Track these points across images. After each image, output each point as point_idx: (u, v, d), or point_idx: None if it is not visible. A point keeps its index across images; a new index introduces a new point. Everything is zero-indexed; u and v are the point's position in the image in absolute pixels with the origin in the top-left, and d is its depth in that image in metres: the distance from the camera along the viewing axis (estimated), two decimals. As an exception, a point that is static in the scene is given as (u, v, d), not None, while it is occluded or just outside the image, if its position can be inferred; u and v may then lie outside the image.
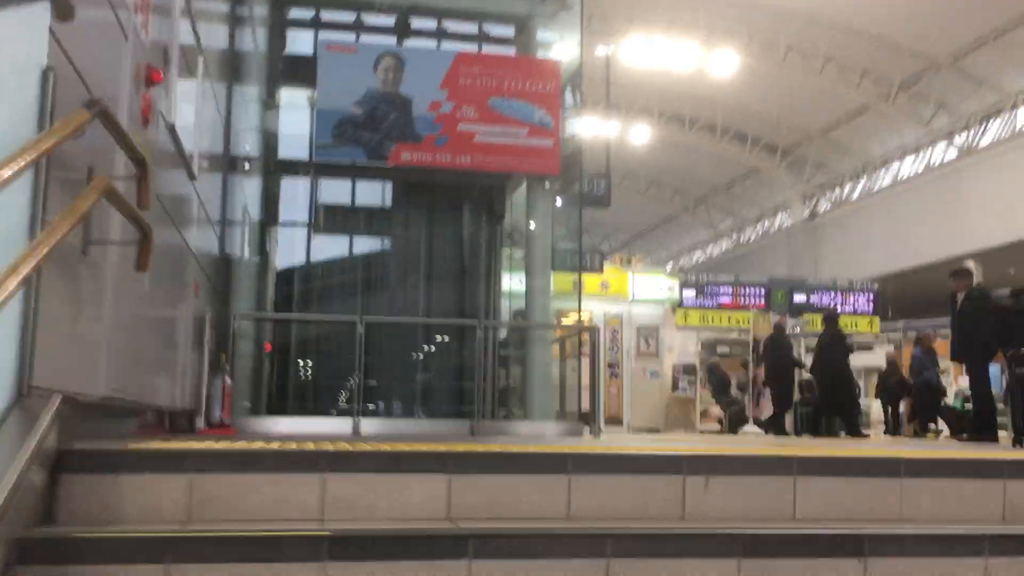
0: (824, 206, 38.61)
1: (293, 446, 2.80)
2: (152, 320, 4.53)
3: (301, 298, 9.23)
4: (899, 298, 28.65)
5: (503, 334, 9.85)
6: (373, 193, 9.80)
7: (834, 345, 12.33)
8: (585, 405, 8.33)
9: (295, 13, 9.26)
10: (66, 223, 2.29)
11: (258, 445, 2.71)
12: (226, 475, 2.33)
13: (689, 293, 19.78)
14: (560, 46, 8.93)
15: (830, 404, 12.31)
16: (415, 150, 7.95)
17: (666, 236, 49.94)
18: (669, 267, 51.31)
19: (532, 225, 8.52)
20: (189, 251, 5.66)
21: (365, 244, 9.46)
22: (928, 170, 32.42)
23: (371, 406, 7.92)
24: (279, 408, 8.45)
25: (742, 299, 20.94)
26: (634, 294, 16.64)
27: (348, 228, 9.87)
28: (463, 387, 8.59)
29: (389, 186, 9.47)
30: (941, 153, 32.03)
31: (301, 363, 9.07)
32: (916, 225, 31.95)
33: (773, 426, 13.26)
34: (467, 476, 2.41)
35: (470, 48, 9.27)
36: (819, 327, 21.22)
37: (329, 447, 2.51)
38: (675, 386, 17.99)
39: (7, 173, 1.93)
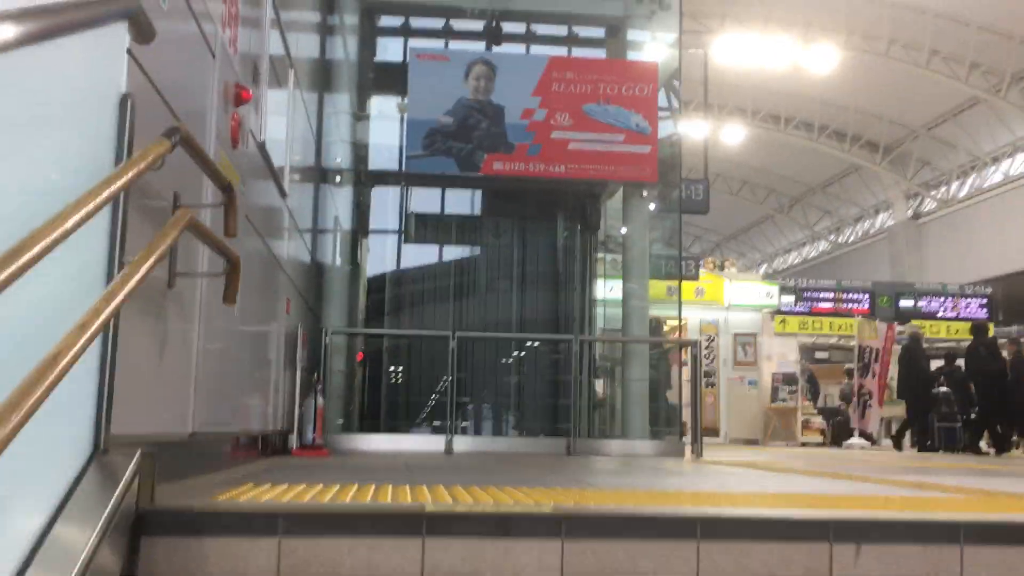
0: (929, 205, 37.07)
1: (389, 497, 2.57)
2: (244, 344, 4.40)
3: (392, 306, 9.11)
4: (1010, 302, 27.22)
5: (599, 346, 9.55)
6: (464, 201, 9.62)
7: (989, 355, 12.10)
8: (685, 417, 7.97)
9: (385, 21, 9.15)
10: (146, 262, 2.11)
11: (353, 499, 2.49)
12: (319, 539, 2.11)
13: (788, 298, 19.13)
14: (656, 47, 8.59)
15: (997, 413, 12.07)
16: (507, 160, 7.72)
17: (760, 238, 48.74)
18: (763, 269, 50.15)
19: (628, 232, 8.19)
20: (281, 268, 5.55)
21: (456, 253, 9.29)
22: (1042, 166, 30.76)
23: (463, 423, 7.73)
24: (371, 421, 8.34)
25: (844, 304, 20.14)
26: (730, 300, 16.11)
27: (439, 237, 9.72)
28: (558, 402, 8.33)
29: (480, 194, 9.27)
30: (1055, 147, 30.34)
31: (393, 373, 8.94)
32: (1029, 224, 30.33)
33: (900, 440, 13.03)
34: (581, 542, 2.14)
35: (563, 52, 9.00)
36: (931, 334, 20.29)
37: (430, 506, 2.27)
38: (774, 396, 17.36)
39: (82, 212, 1.74)
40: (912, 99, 32.13)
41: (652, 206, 8.24)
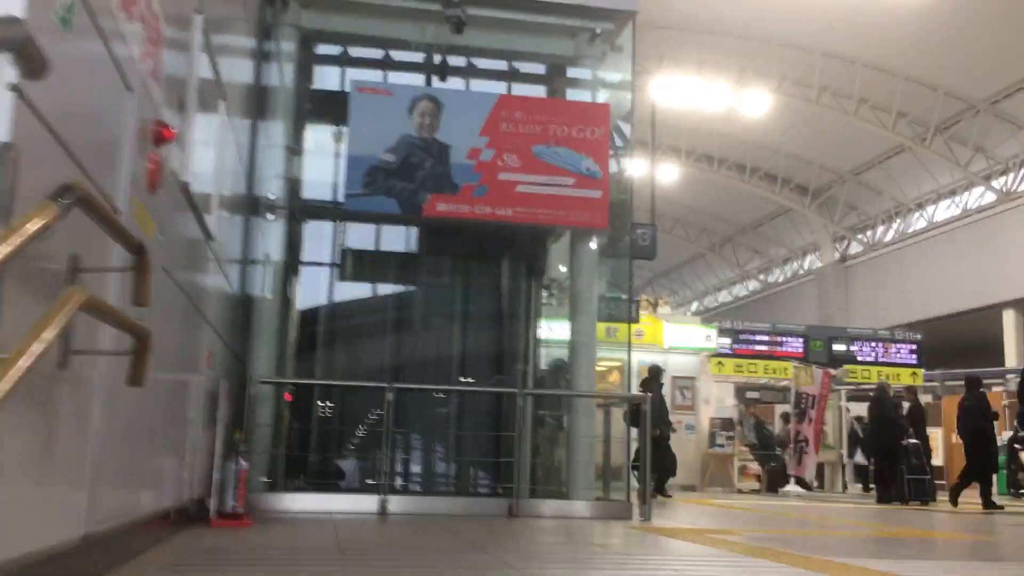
0: (855, 248, 37.86)
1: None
2: (156, 413, 3.87)
3: (326, 341, 8.57)
4: (933, 345, 27.73)
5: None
6: (401, 238, 9.15)
7: (978, 410, 12.09)
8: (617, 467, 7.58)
9: (323, 49, 8.69)
10: (22, 358, 1.64)
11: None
12: None
13: (724, 340, 19.04)
14: (606, 89, 8.31)
15: (974, 472, 12.10)
16: (452, 201, 7.31)
17: (691, 275, 49.23)
18: (694, 306, 50.58)
19: (574, 278, 7.84)
20: (203, 319, 5.03)
21: (393, 290, 8.79)
22: (965, 214, 31.65)
23: (399, 479, 7.21)
24: (300, 475, 7.76)
25: (779, 347, 20.16)
26: (669, 343, 15.89)
27: (375, 274, 9.21)
28: (500, 456, 7.88)
29: (418, 231, 8.83)
30: (978, 197, 31.26)
31: (323, 414, 8.37)
32: (952, 270, 31.10)
33: (883, 493, 13.04)
34: None
35: (510, 89, 8.66)
36: (862, 378, 20.43)
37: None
38: (712, 441, 17.16)
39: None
40: (840, 145, 32.82)
41: (593, 247, 7.88)
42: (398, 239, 9.36)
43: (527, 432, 7.08)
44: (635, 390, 11.37)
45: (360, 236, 9.05)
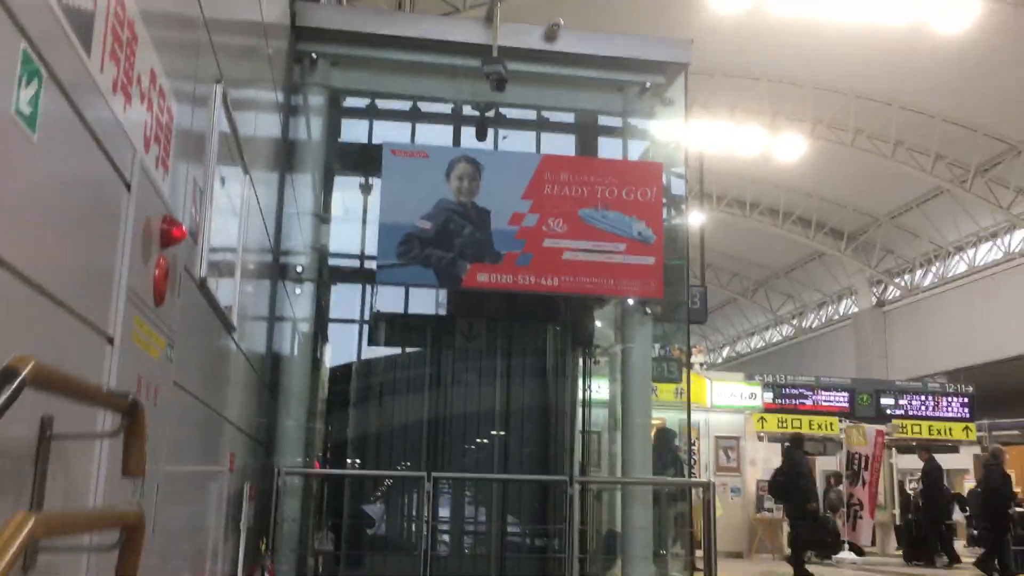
0: (893, 293, 36.94)
1: None
2: (171, 535, 3.30)
3: (357, 421, 7.97)
4: (977, 394, 26.75)
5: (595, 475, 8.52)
6: (432, 302, 8.58)
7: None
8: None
9: (353, 110, 8.22)
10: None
11: None
12: None
13: (766, 395, 18.26)
14: (656, 145, 7.76)
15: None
16: (493, 271, 6.75)
17: (723, 320, 48.33)
18: (726, 352, 49.63)
19: (627, 351, 7.23)
20: (225, 421, 4.47)
21: (428, 357, 8.20)
22: (1008, 257, 30.75)
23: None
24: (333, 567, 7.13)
25: (823, 401, 19.33)
26: (712, 401, 15.17)
27: (408, 339, 8.63)
28: (548, 543, 7.23)
29: (456, 295, 8.26)
30: (1021, 240, 30.38)
31: (355, 490, 7.73)
32: (996, 315, 30.14)
33: (985, 567, 12.41)
34: None
35: (554, 148, 8.14)
36: (911, 433, 19.54)
37: None
38: (759, 506, 16.32)
39: None
40: (877, 188, 32.11)
41: (650, 317, 7.27)
42: (429, 301, 8.81)
43: (575, 524, 6.42)
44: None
45: (390, 299, 8.51)
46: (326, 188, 7.57)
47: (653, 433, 13.82)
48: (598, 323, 8.43)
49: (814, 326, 42.16)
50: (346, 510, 7.24)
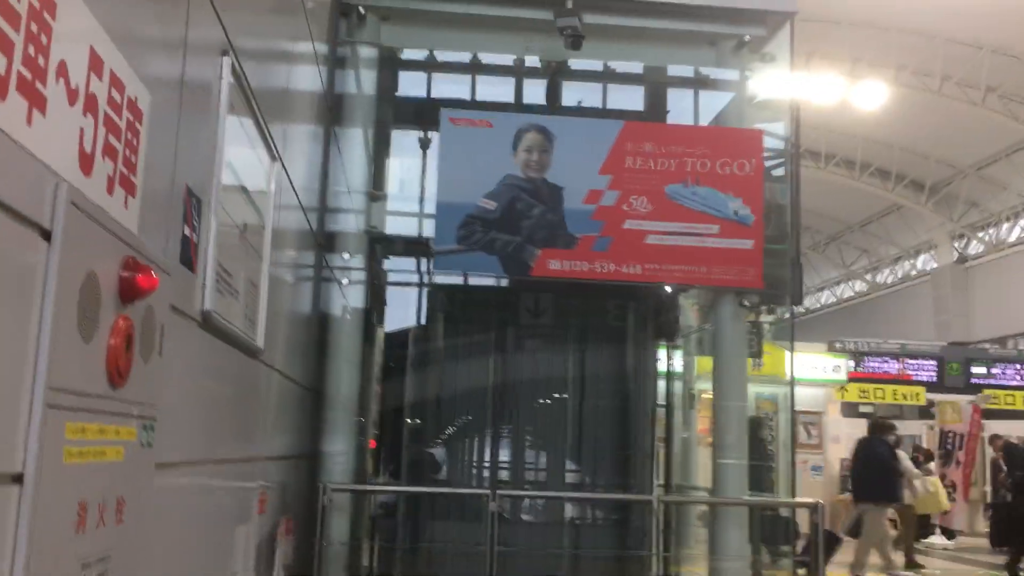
0: (976, 248, 35.07)
1: None
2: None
3: (413, 416, 7.22)
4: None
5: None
6: (503, 292, 7.72)
7: None
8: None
9: (407, 71, 7.33)
10: None
11: None
12: None
13: (841, 362, 17.13)
14: (754, 109, 6.73)
15: None
16: (567, 257, 5.87)
17: (791, 275, 46.73)
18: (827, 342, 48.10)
19: (720, 349, 6.31)
20: (248, 464, 3.72)
21: (492, 360, 7.37)
22: (1104, 210, 28.79)
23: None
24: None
25: (910, 370, 18.15)
26: (793, 374, 14.10)
27: (468, 315, 7.81)
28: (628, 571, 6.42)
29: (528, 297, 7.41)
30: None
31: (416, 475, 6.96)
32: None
33: None
34: None
35: (637, 116, 7.19)
36: (1004, 404, 18.27)
37: None
38: (843, 486, 15.34)
39: None
40: (962, 137, 30.24)
41: (747, 310, 6.33)
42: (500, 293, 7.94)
43: (659, 549, 5.58)
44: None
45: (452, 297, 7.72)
46: (377, 163, 6.73)
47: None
48: (684, 311, 7.52)
49: (889, 282, 40.43)
50: (400, 529, 6.50)
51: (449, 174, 5.94)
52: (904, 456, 11.97)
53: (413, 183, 7.27)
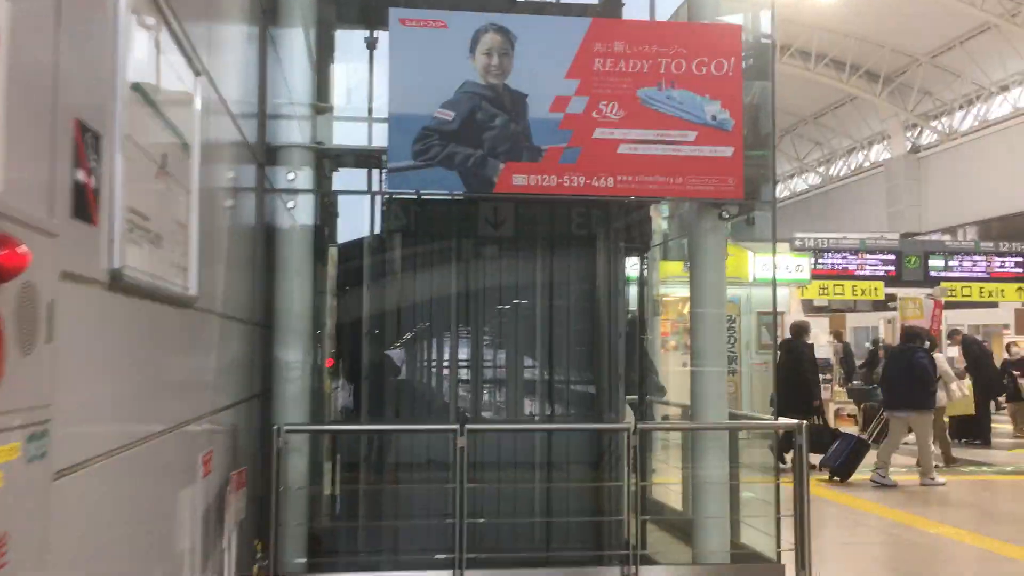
0: (929, 138, 35.06)
1: None
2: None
3: (370, 341, 6.81)
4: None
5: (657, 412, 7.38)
6: (463, 214, 7.22)
7: None
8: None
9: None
10: None
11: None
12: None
13: (803, 261, 17.01)
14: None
15: None
16: (533, 171, 5.39)
17: (745, 170, 46.61)
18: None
19: (696, 263, 5.95)
20: (194, 420, 3.29)
21: (452, 275, 6.95)
22: (1058, 98, 28.77)
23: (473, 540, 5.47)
24: (350, 519, 6.11)
25: (867, 267, 18.12)
26: (755, 275, 13.95)
27: (423, 227, 7.32)
28: (602, 505, 6.16)
29: (488, 207, 6.94)
30: (1074, 78, 28.33)
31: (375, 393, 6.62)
32: (1041, 160, 28.48)
33: None
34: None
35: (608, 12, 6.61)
36: (961, 297, 18.38)
37: None
38: (806, 386, 15.38)
39: None
40: (918, 25, 29.81)
41: (725, 223, 5.95)
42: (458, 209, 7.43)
43: (633, 478, 5.31)
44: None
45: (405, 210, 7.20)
46: (321, 71, 6.11)
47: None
48: (655, 220, 7.12)
49: (842, 174, 40.49)
50: (364, 463, 6.14)
51: (401, 82, 5.37)
52: (942, 359, 12.45)
53: (362, 92, 6.65)
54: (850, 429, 14.38)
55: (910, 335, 11.78)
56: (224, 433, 4.02)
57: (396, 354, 7.20)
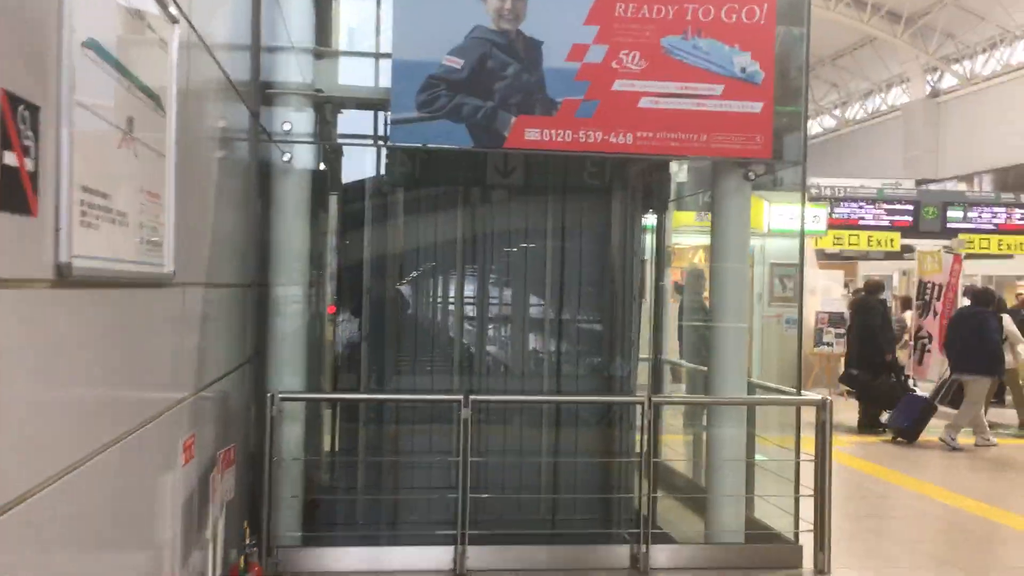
0: (949, 81, 34.18)
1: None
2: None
3: (372, 305, 6.48)
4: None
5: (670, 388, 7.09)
6: (471, 162, 6.82)
7: None
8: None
9: None
10: None
11: None
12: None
13: (820, 211, 16.59)
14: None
15: None
16: (547, 125, 5.02)
17: (759, 111, 45.69)
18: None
19: (720, 225, 5.60)
20: (175, 404, 3.00)
21: (458, 227, 6.61)
22: (1086, 43, 27.86)
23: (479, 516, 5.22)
24: (347, 497, 5.85)
25: (886, 216, 17.70)
26: (770, 225, 13.53)
27: (434, 203, 6.96)
28: (612, 480, 5.90)
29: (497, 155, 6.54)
30: (1103, 22, 27.40)
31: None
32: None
33: None
34: None
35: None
36: (979, 249, 17.95)
37: None
38: (818, 339, 15.08)
39: None
40: (945, -38, 28.84)
41: (750, 185, 5.58)
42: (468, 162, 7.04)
43: (650, 456, 5.04)
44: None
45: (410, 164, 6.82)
46: (322, 10, 5.68)
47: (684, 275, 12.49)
48: (674, 176, 6.75)
49: (859, 117, 39.65)
50: (362, 439, 5.87)
51: (406, 25, 4.97)
52: (1009, 321, 12.08)
53: (368, 29, 6.22)
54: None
55: (979, 298, 11.61)
56: (210, 409, 3.74)
57: (402, 290, 6.92)
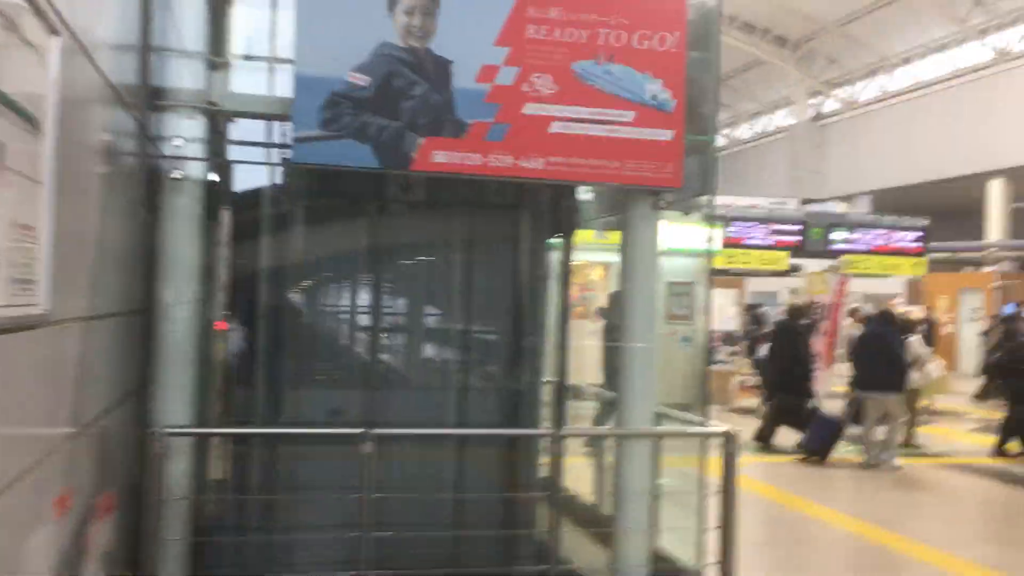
0: (832, 105, 35.64)
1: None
2: None
3: (267, 326, 6.14)
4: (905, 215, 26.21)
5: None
6: (369, 183, 6.56)
7: None
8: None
9: None
10: None
11: None
12: None
13: (716, 231, 16.93)
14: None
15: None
16: (456, 148, 4.85)
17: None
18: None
19: (629, 256, 5.54)
20: (52, 454, 2.70)
21: (358, 241, 6.35)
22: (955, 73, 29.46)
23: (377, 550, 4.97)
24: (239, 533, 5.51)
25: (773, 236, 18.20)
26: (665, 244, 13.67)
27: (332, 222, 6.68)
28: (514, 509, 5.74)
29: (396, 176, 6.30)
30: (972, 53, 29.02)
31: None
32: (937, 134, 29.18)
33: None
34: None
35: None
36: (862, 270, 18.64)
37: None
38: (711, 358, 15.34)
39: None
40: (830, -9, 30.07)
41: (657, 214, 5.54)
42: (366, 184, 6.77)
43: (555, 489, 4.91)
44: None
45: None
46: (217, 20, 5.36)
47: (608, 298, 12.53)
48: (582, 202, 6.66)
49: (746, 137, 40.95)
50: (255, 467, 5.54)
51: (310, 39, 4.71)
52: (919, 341, 12.66)
53: (264, 42, 5.92)
54: (754, 401, 14.47)
55: (884, 318, 11.96)
56: (89, 452, 3.41)
57: (300, 303, 6.62)
